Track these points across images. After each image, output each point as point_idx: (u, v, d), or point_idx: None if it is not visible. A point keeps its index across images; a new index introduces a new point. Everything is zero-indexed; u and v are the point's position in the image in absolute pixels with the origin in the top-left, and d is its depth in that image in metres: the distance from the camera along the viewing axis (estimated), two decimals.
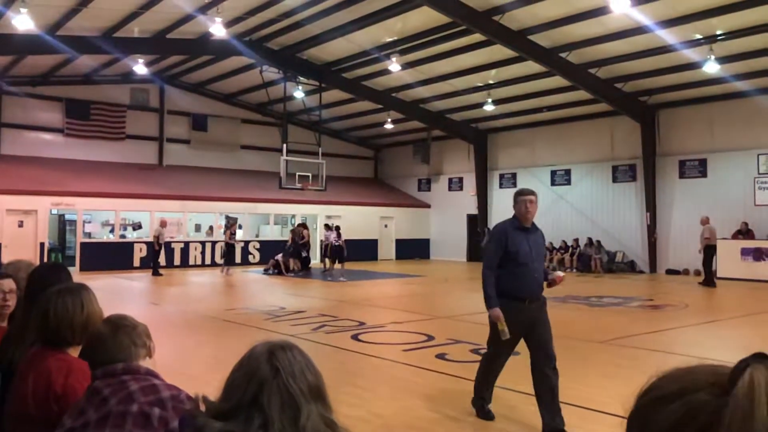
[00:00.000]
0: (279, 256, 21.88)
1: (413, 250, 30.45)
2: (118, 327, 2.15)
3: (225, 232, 21.92)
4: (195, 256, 24.07)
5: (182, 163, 27.48)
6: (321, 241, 22.16)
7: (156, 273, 20.04)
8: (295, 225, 23.60)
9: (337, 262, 19.99)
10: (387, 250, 29.74)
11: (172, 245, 23.25)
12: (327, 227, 21.27)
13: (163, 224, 20.82)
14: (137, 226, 24.15)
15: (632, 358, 8.09)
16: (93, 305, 2.53)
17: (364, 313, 12.25)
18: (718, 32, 16.51)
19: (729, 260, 18.79)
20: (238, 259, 24.58)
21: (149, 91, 26.85)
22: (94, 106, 25.20)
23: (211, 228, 25.58)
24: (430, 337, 9.46)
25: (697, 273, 19.90)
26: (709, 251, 17.33)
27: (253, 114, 29.55)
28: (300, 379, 1.47)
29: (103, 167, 24.73)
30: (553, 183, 25.71)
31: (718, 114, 20.90)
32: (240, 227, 24.46)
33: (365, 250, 27.57)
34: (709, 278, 17.33)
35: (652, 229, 22.17)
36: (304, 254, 22.20)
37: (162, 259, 21.83)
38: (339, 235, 19.86)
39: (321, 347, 8.61)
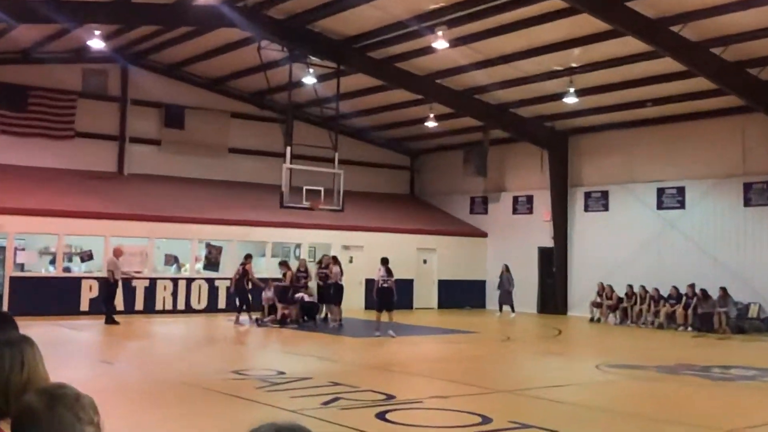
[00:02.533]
0: (269, 293, 21.92)
1: (462, 295, 30.24)
2: (56, 398, 2.16)
3: (241, 271, 21.90)
4: (164, 298, 24.30)
5: (150, 171, 27.83)
6: (319, 280, 22.26)
7: (110, 320, 20.27)
8: (322, 257, 23.49)
9: (383, 310, 19.41)
10: (426, 294, 29.65)
11: (133, 283, 23.51)
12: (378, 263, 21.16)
13: (117, 254, 21.06)
14: (87, 256, 24.49)
15: None
16: (37, 365, 2.58)
17: (394, 383, 12.21)
18: None
19: None
20: (222, 304, 24.79)
21: (108, 73, 27.35)
22: (33, 92, 25.73)
23: (174, 260, 25.83)
24: (486, 419, 9.37)
25: None
26: None
27: (247, 106, 29.86)
28: None
29: (43, 175, 25.17)
30: (660, 206, 25.49)
31: None
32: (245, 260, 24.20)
33: (397, 293, 27.43)
34: None
35: None
36: (307, 298, 22.24)
37: (119, 302, 22.11)
38: (389, 272, 19.37)
39: (335, 429, 8.59)
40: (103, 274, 21.69)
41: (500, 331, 22.17)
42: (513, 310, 26.90)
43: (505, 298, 27.20)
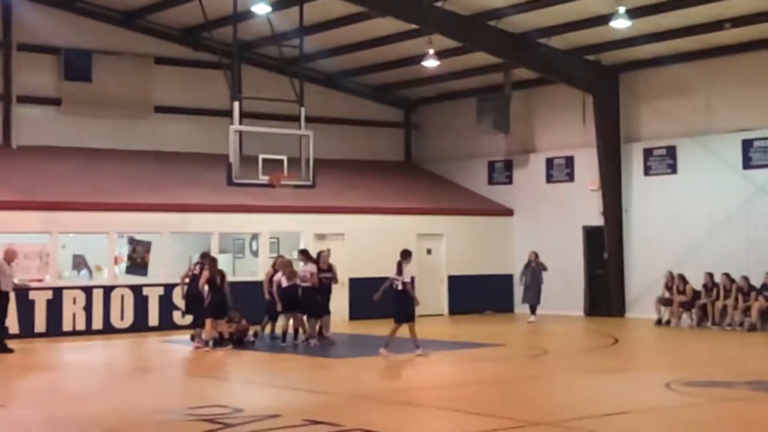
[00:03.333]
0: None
1: (481, 295, 30.23)
2: None
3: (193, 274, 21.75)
4: (73, 315, 24.16)
5: (48, 141, 27.62)
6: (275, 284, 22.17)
7: (2, 348, 20.17)
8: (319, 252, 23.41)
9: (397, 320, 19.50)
10: (432, 296, 29.49)
11: (30, 295, 23.43)
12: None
13: (8, 257, 20.85)
14: None
15: None
16: None
17: (393, 418, 12.17)
18: None
19: None
20: (154, 320, 24.76)
21: None
22: None
23: (84, 263, 25.68)
24: None
25: None
26: None
27: (177, 47, 29.70)
28: None
29: None
30: (747, 164, 25.55)
31: None
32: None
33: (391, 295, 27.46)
34: None
35: None
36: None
37: (11, 323, 21.87)
38: (401, 272, 19.46)
39: None
40: None
41: (534, 343, 22.17)
42: (533, 313, 27.03)
43: (535, 295, 27.17)
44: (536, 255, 27.41)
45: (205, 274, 20.90)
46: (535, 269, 27.32)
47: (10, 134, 27.34)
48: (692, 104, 26.58)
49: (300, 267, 22.04)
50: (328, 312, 22.02)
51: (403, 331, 18.98)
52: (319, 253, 22.36)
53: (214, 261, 21.57)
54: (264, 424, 11.57)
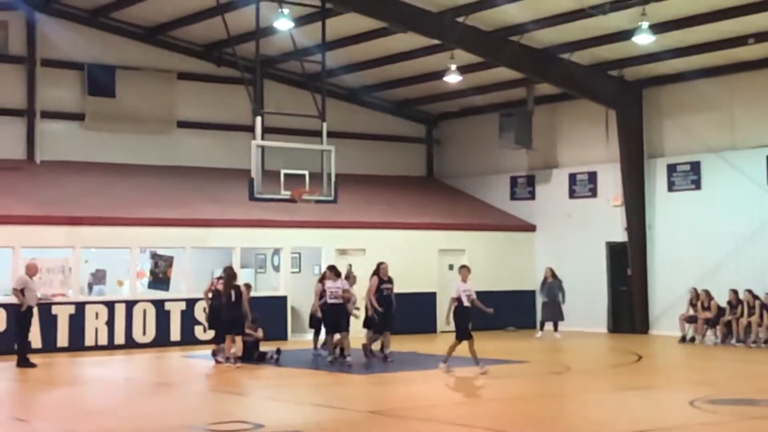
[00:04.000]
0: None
1: (504, 311, 29.88)
2: None
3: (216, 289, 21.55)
4: (95, 330, 24.26)
5: (71, 156, 27.85)
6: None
7: (24, 362, 20.27)
8: (347, 269, 23.09)
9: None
10: None
11: (53, 310, 23.53)
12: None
13: (30, 271, 20.96)
14: None
15: None
16: None
17: None
18: None
19: None
20: (176, 335, 24.83)
21: (8, 25, 27.31)
22: None
23: (101, 278, 25.78)
24: None
25: None
26: None
27: (200, 63, 29.84)
28: None
29: None
30: None
31: None
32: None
33: (413, 312, 27.41)
34: None
35: None
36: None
37: (34, 337, 21.94)
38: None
39: None
40: (13, 299, 21.52)
41: (557, 360, 22.08)
42: (556, 329, 27.06)
43: (554, 312, 27.16)
44: (552, 271, 27.43)
45: (213, 286, 20.57)
46: (551, 286, 27.31)
47: (33, 149, 27.52)
48: (716, 120, 26.47)
49: (329, 284, 21.42)
50: (389, 328, 21.36)
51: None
52: (379, 265, 21.63)
53: (229, 276, 20.94)
54: None
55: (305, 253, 28.11)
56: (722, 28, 23.42)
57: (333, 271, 21.60)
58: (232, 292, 20.59)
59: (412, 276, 27.59)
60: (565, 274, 27.69)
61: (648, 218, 27.83)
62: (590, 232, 29.18)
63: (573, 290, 27.45)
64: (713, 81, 26.29)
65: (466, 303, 18.91)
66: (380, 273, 21.48)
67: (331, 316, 20.89)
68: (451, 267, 29.80)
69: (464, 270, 19.30)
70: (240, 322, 20.53)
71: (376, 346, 21.55)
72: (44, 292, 21.95)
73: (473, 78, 28.60)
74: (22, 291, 20.34)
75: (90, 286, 26.34)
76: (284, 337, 25.65)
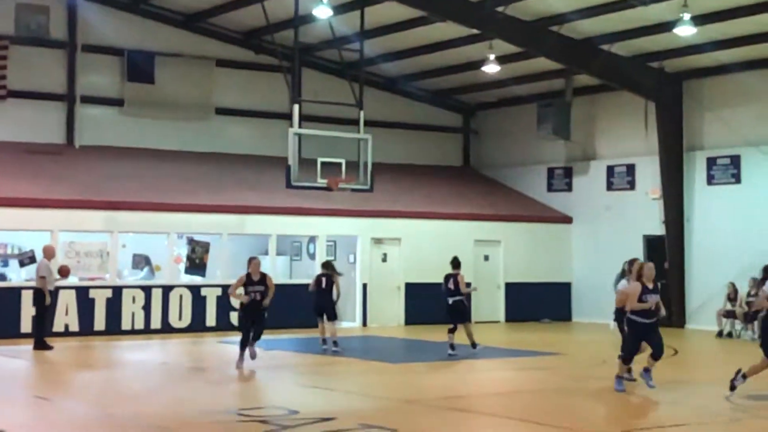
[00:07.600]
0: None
1: (539, 303, 30.15)
2: None
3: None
4: (132, 314, 24.51)
5: (110, 141, 28.05)
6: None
7: (41, 344, 20.44)
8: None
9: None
10: (489, 302, 29.61)
11: (90, 294, 23.78)
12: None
13: (48, 254, 20.98)
14: (28, 259, 24.66)
15: None
16: None
17: (449, 425, 12.13)
18: None
19: None
20: (211, 321, 25.05)
21: (49, 11, 27.46)
22: None
23: (146, 262, 25.93)
24: None
25: None
26: None
27: (239, 50, 29.94)
28: None
29: None
30: None
31: None
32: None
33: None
34: None
35: None
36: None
37: (63, 319, 22.26)
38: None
39: None
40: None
41: (592, 352, 22.01)
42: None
43: None
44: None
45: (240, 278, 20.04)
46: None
47: (73, 134, 27.77)
48: (757, 113, 26.33)
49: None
50: (468, 318, 21.13)
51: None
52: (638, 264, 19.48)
53: (251, 263, 18.54)
54: (319, 426, 11.61)
55: (341, 241, 28.21)
56: (764, 20, 23.22)
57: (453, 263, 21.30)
58: (323, 280, 20.97)
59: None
60: (601, 267, 27.57)
61: (686, 211, 27.70)
62: (628, 224, 29.07)
63: (609, 283, 27.27)
64: (754, 74, 26.14)
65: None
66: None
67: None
68: (486, 258, 29.85)
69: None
70: (331, 306, 21.02)
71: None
72: (82, 276, 22.10)
73: (512, 68, 28.53)
74: (43, 277, 20.44)
75: (140, 269, 26.47)
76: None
